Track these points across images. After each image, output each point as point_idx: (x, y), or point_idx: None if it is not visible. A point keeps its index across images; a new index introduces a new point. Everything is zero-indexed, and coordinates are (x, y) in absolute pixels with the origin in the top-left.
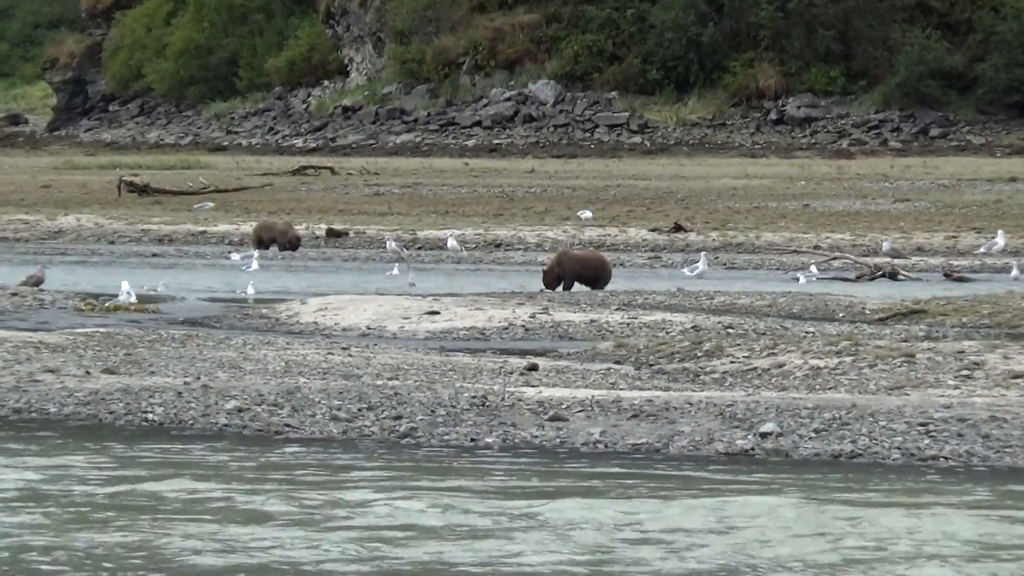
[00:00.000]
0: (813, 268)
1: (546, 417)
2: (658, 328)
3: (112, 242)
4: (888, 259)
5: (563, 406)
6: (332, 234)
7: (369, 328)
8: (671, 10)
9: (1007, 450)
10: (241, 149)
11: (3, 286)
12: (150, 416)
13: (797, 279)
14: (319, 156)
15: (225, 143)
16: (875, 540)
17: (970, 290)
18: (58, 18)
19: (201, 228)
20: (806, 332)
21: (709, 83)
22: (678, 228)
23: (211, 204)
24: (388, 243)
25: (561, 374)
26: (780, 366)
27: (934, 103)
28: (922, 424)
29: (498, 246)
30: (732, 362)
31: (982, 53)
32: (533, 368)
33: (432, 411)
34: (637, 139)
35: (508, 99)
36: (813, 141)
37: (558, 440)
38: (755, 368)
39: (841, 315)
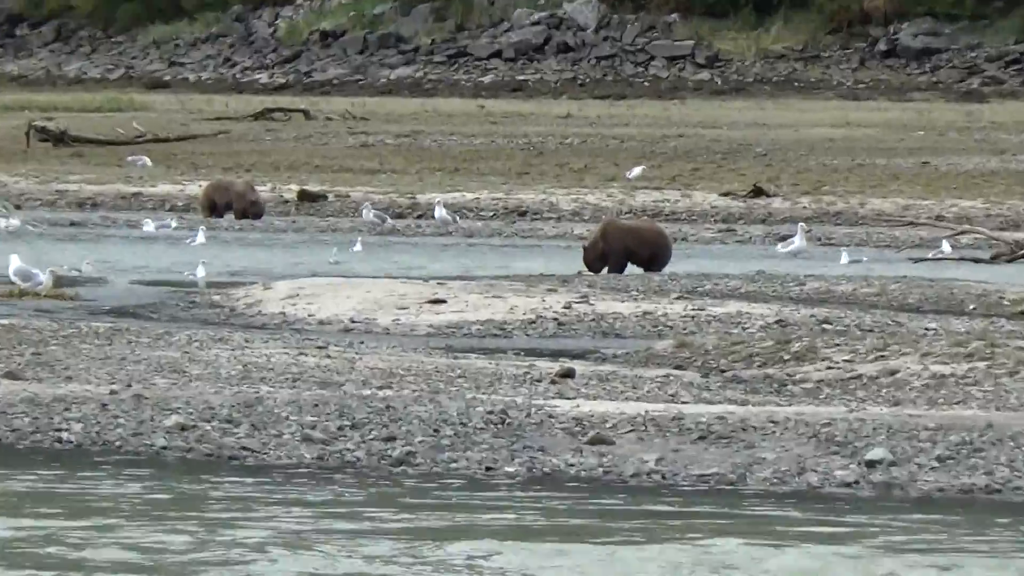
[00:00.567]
0: (945, 246)
1: (585, 439)
2: (732, 323)
3: (18, 206)
4: None
5: (607, 425)
6: (306, 197)
7: (354, 321)
8: None
9: None
10: (188, 86)
11: None
12: (65, 435)
13: (917, 260)
14: (289, 96)
15: (167, 78)
16: None
17: None
18: None
19: (135, 189)
20: (926, 329)
21: (798, 3)
22: (758, 192)
23: (147, 159)
24: (364, 210)
25: (605, 382)
26: (892, 373)
27: None
28: None
29: (523, 214)
30: (829, 368)
31: None
32: (568, 374)
33: (435, 431)
34: (705, 75)
35: (537, 23)
36: (934, 79)
37: (601, 469)
38: (859, 376)
39: (972, 307)
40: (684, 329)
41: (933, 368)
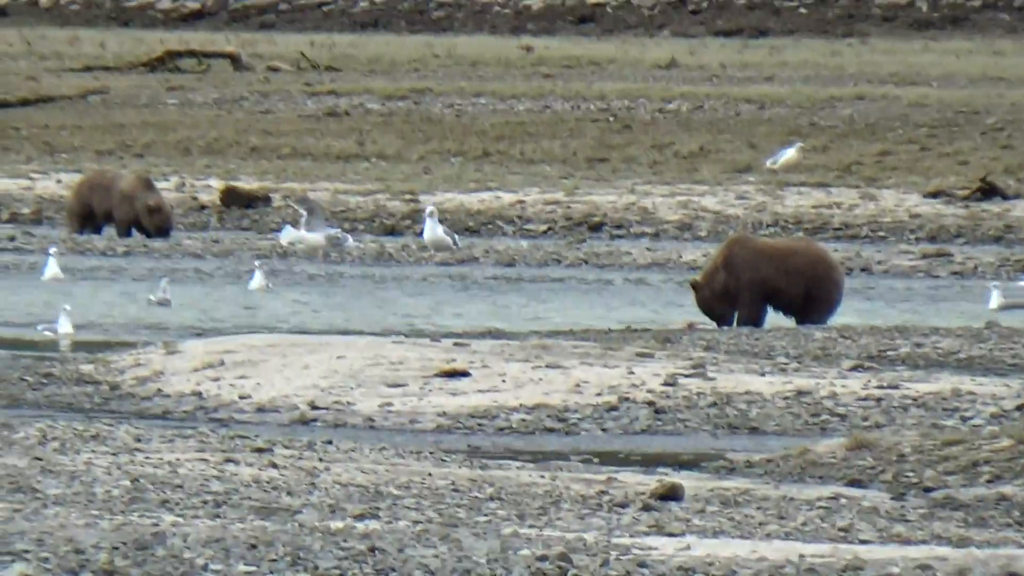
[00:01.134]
0: None
1: None
2: (945, 410)
3: None
4: None
5: None
6: (235, 200)
7: (315, 407)
8: None
9: None
10: (41, 15)
11: None
12: None
13: None
14: (207, 31)
15: (3, 1)
16: None
17: None
18: None
19: None
20: None
21: None
22: (988, 190)
23: None
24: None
25: (732, 508)
26: None
27: None
28: None
29: (596, 228)
30: None
31: None
32: (672, 495)
33: None
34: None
35: None
36: None
37: None
38: None
39: None
40: (865, 420)
41: None
